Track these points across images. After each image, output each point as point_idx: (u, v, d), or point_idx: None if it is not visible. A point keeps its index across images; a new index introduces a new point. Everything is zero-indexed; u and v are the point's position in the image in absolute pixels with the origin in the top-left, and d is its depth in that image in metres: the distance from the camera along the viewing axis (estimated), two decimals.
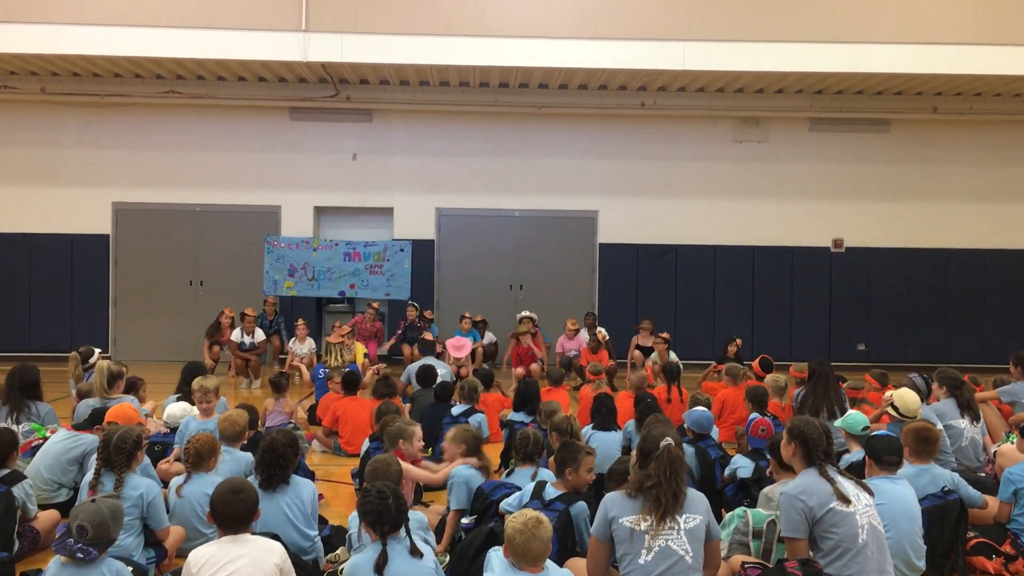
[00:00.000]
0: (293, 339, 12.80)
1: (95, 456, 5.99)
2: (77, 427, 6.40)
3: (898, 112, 15.13)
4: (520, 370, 12.66)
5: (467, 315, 13.51)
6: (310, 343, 12.68)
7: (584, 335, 13.15)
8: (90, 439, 6.14)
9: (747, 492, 5.87)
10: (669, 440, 4.06)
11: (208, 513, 4.19)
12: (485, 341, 13.67)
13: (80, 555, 3.95)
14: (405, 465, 5.76)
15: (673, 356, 12.08)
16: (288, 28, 12.47)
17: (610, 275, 14.92)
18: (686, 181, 15.45)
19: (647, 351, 13.02)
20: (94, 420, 6.37)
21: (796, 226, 15.52)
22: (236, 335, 12.63)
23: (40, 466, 6.13)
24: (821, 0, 12.82)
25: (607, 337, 12.80)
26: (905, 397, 6.65)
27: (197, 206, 15.16)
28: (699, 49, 12.70)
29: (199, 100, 14.63)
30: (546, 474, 5.51)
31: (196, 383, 7.15)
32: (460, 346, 12.28)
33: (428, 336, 11.84)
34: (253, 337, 12.66)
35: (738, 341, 12.65)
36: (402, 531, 4.04)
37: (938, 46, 12.76)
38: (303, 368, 12.14)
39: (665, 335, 12.58)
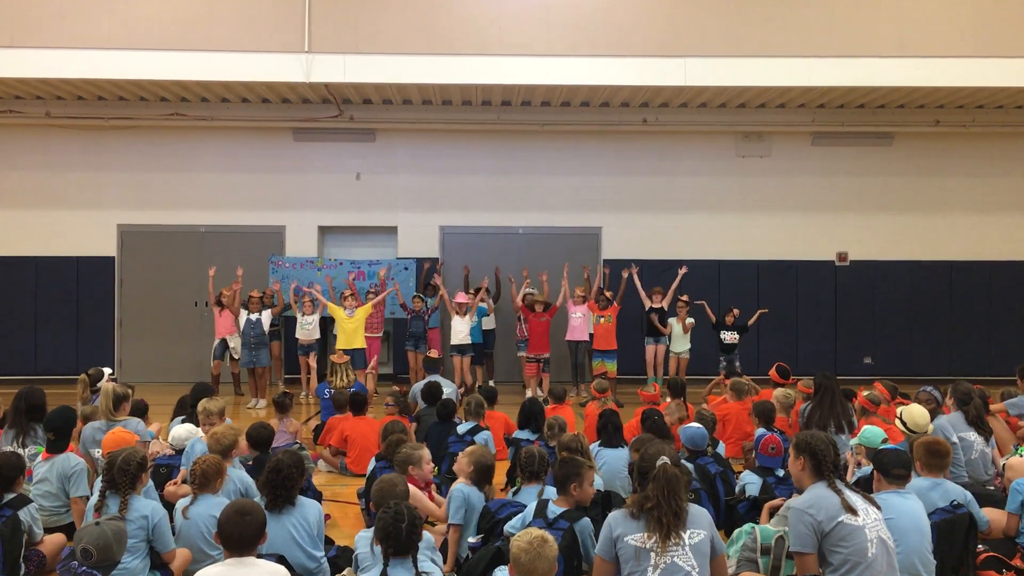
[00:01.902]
0: (301, 314, 12.95)
1: (78, 476, 6.04)
2: (49, 450, 6.38)
3: (900, 125, 15.14)
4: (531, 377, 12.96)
5: (483, 297, 13.53)
6: (316, 317, 12.99)
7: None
8: (73, 459, 6.20)
9: (759, 509, 5.84)
10: (665, 459, 4.04)
11: (215, 533, 4.19)
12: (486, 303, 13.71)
13: None
14: (415, 493, 5.76)
15: (691, 320, 13.20)
16: (291, 49, 12.52)
17: (614, 291, 14.87)
18: (689, 197, 15.47)
19: (660, 313, 13.31)
20: (63, 438, 6.40)
21: (800, 240, 15.52)
22: (243, 315, 12.77)
23: (40, 491, 6.16)
24: (822, 15, 12.85)
25: (612, 295, 13.25)
26: (914, 412, 6.63)
27: (202, 227, 15.20)
28: (700, 65, 12.72)
29: (203, 122, 14.70)
30: (552, 492, 5.49)
31: (200, 406, 7.16)
32: (462, 294, 13.12)
33: (433, 353, 11.84)
34: (260, 315, 12.79)
35: (735, 311, 13.14)
36: (409, 558, 4.03)
37: (940, 59, 12.77)
38: (313, 377, 12.36)
39: (685, 297, 13.30)
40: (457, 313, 12.92)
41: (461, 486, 5.71)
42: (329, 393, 9.84)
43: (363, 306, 12.62)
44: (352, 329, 12.31)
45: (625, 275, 13.42)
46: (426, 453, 6.16)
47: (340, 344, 12.28)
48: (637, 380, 13.27)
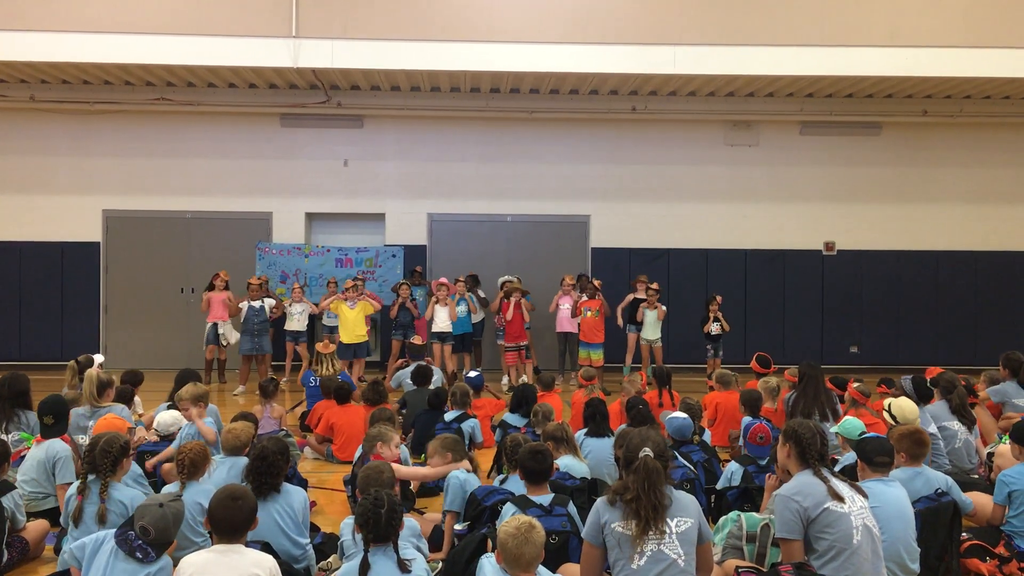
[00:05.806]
0: (290, 302, 13.09)
1: (64, 463, 6.00)
2: (43, 436, 6.34)
3: (888, 115, 15.16)
4: (513, 370, 12.94)
5: (460, 279, 13.36)
6: (304, 306, 13.04)
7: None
8: (58, 446, 6.17)
9: (749, 498, 5.86)
10: (647, 451, 4.00)
11: (205, 519, 4.17)
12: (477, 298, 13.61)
13: (139, 554, 4.09)
14: (396, 466, 5.78)
15: (663, 308, 13.04)
16: (278, 34, 12.43)
17: (603, 279, 14.90)
18: (678, 185, 15.46)
19: (642, 303, 13.30)
20: (60, 422, 6.39)
21: (788, 229, 15.53)
22: (244, 304, 12.72)
23: (25, 476, 6.13)
24: (811, 3, 12.85)
25: (601, 284, 13.19)
26: (903, 406, 6.64)
27: (188, 213, 15.11)
28: (689, 53, 12.70)
29: (189, 107, 14.58)
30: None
31: (179, 395, 7.16)
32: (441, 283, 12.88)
33: (416, 340, 11.79)
34: (262, 302, 12.76)
35: (718, 299, 13.11)
36: (390, 545, 4.00)
37: (928, 49, 12.79)
38: (304, 364, 12.48)
39: (655, 285, 13.19)
40: (438, 301, 12.76)
41: (457, 473, 5.77)
42: (315, 380, 9.82)
43: (364, 301, 12.57)
44: (354, 320, 12.30)
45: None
46: (396, 435, 6.30)
47: (343, 338, 12.26)
48: (622, 368, 13.29)
